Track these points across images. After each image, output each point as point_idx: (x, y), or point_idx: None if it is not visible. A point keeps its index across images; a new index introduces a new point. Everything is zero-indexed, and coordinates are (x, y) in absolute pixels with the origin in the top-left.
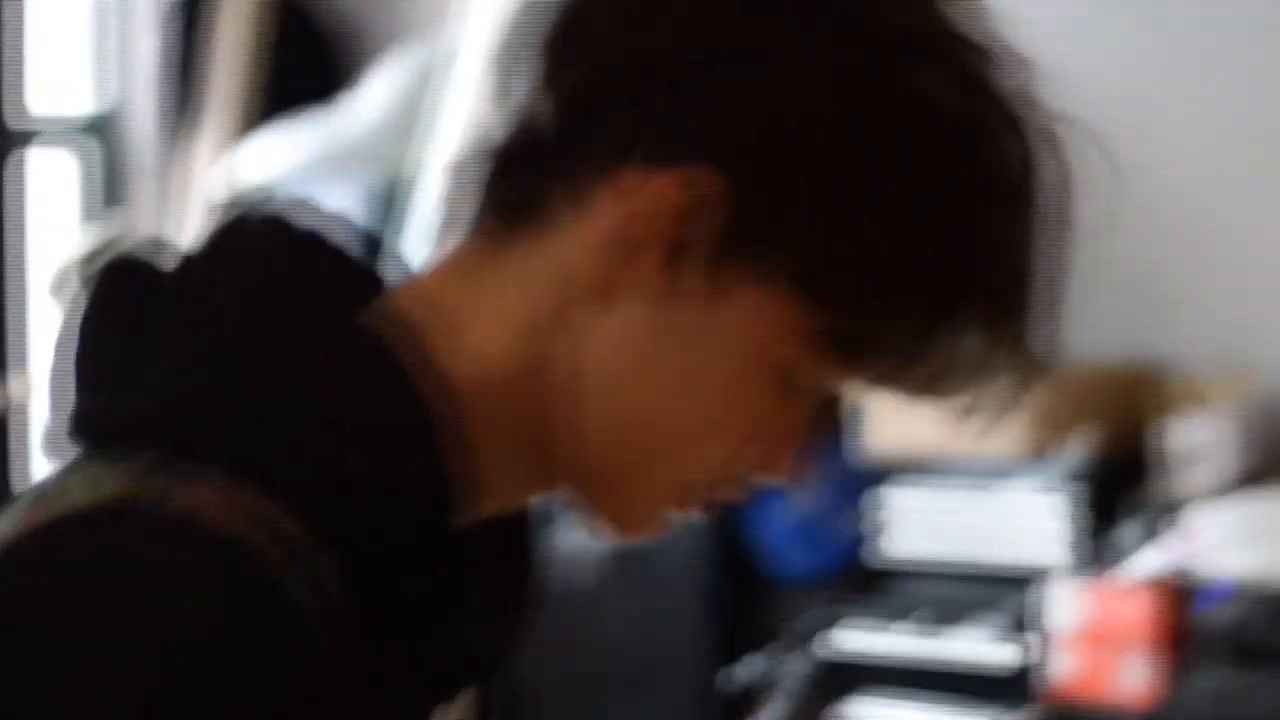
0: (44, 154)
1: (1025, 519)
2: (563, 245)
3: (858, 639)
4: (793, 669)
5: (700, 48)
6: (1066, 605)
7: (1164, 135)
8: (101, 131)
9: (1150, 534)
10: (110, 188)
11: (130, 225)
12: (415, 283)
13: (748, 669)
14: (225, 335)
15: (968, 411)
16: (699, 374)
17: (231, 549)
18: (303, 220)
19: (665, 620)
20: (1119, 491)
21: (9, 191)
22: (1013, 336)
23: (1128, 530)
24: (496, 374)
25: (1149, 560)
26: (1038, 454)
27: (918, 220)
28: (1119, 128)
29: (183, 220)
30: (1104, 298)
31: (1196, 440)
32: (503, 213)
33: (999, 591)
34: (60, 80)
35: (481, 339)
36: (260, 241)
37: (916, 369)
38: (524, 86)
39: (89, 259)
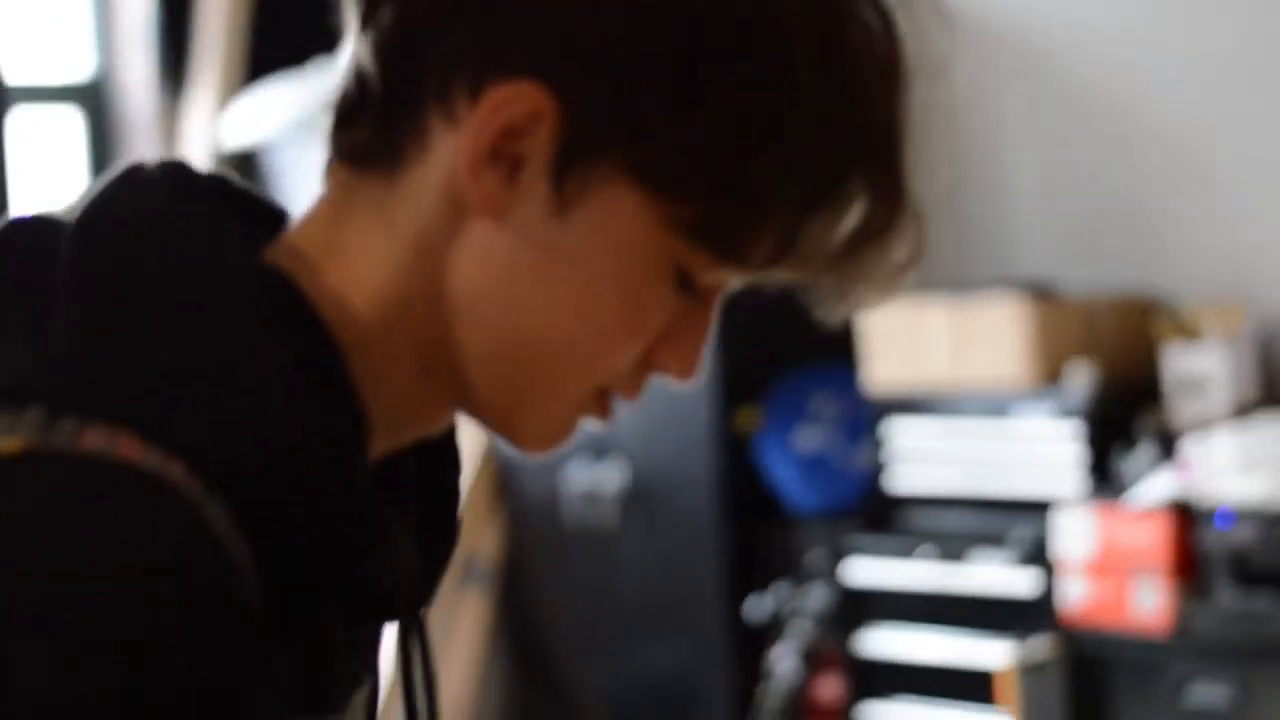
0: (39, 116)
1: (1034, 448)
2: (411, 179)
3: (873, 570)
4: (810, 602)
5: None
6: (1078, 532)
7: (1159, 69)
8: (94, 94)
9: (1157, 461)
10: (103, 150)
11: None
12: (292, 231)
13: (766, 603)
14: (108, 284)
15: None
16: (576, 284)
17: (154, 484)
18: (200, 168)
19: (684, 556)
20: (1124, 420)
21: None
22: (890, 204)
23: (1135, 458)
24: (376, 312)
25: (1157, 487)
26: (1043, 385)
27: (760, 101)
28: (1115, 62)
29: None
30: (1102, 230)
31: (1196, 369)
32: (349, 160)
33: (1011, 520)
34: (53, 44)
35: (348, 284)
36: (151, 188)
37: (803, 250)
38: (352, 35)
39: None
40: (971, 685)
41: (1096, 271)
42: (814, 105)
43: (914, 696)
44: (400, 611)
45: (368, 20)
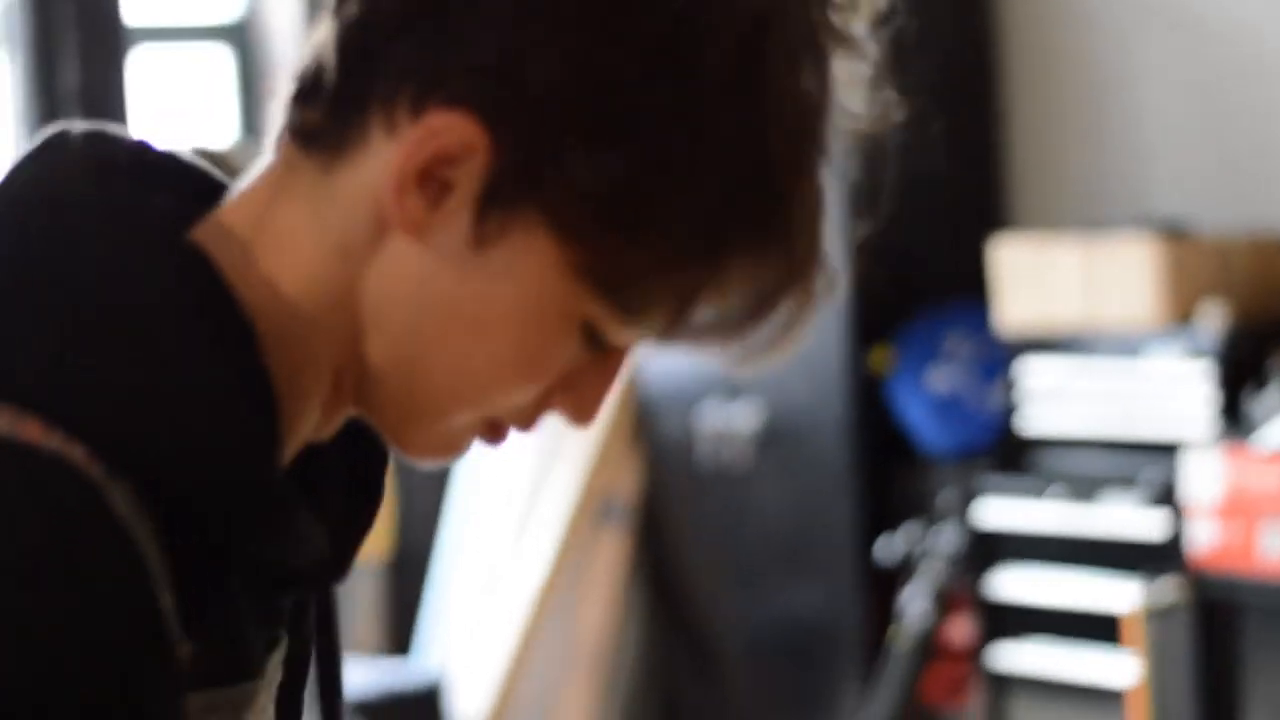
0: (190, 55)
1: (1165, 389)
2: (345, 176)
3: (1004, 511)
4: (941, 542)
5: None
6: (1206, 474)
7: None
8: (243, 33)
9: None
10: (252, 89)
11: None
12: (229, 204)
13: (897, 543)
14: (16, 266)
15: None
16: (479, 318)
17: (53, 465)
18: (126, 137)
19: (816, 497)
20: (1256, 361)
21: (126, 90)
22: (801, 274)
23: (1266, 399)
24: (299, 301)
25: None
26: (1175, 324)
27: (682, 171)
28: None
29: None
30: (1237, 168)
31: None
32: (297, 138)
33: (1141, 461)
34: None
35: (278, 267)
36: (71, 162)
37: (704, 315)
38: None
39: None
40: (1101, 627)
41: (1231, 209)
42: (736, 172)
43: (1044, 638)
44: (309, 588)
45: (337, 7)
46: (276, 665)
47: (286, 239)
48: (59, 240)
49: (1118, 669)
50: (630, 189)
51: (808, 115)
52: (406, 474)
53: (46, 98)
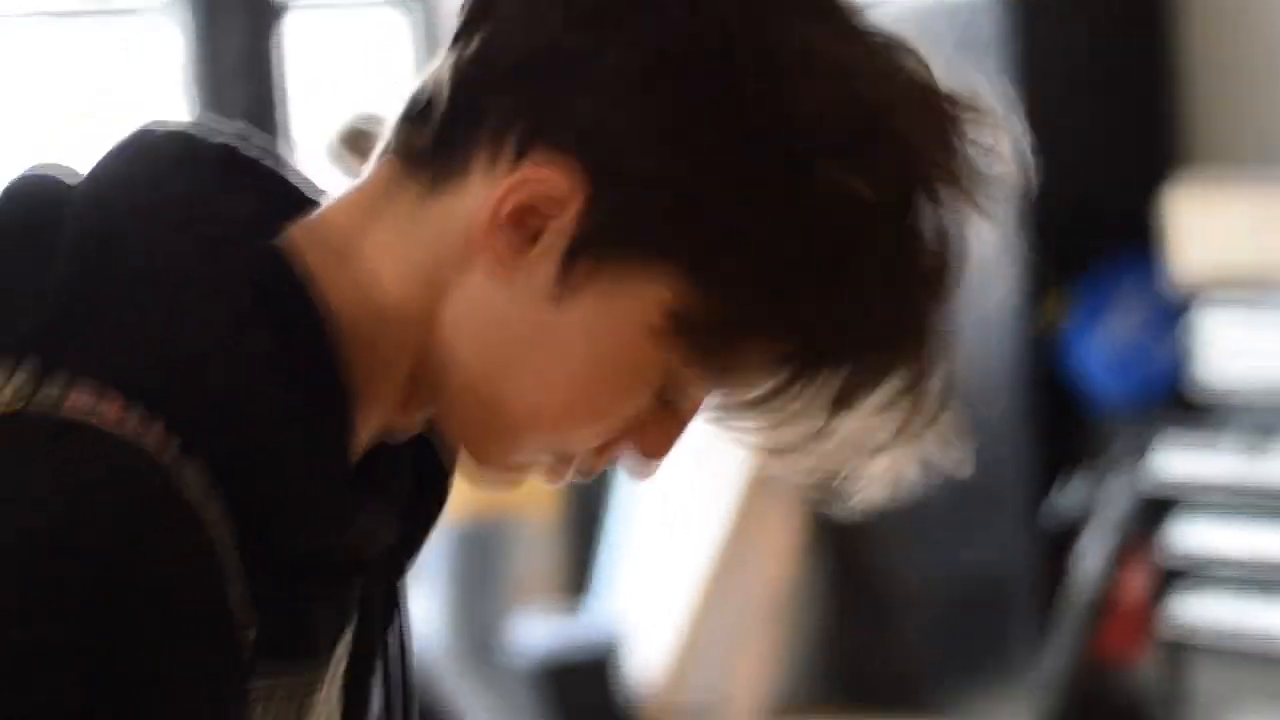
0: (367, 21)
1: None
2: (443, 203)
3: (1178, 465)
4: (1114, 497)
5: (587, 47)
6: None
7: None
8: (415, 4)
9: None
10: (428, 54)
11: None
12: (329, 208)
13: (1070, 498)
14: (101, 249)
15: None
16: (552, 365)
17: (128, 453)
18: (218, 136)
19: (989, 450)
20: None
21: (285, 58)
22: (914, 402)
23: None
24: (389, 307)
25: None
26: None
27: (781, 264)
28: None
29: None
30: None
31: None
32: (402, 157)
33: None
34: None
35: (368, 274)
36: (157, 156)
37: (795, 403)
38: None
39: (345, 136)
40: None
41: None
42: (853, 289)
43: (1220, 591)
44: (374, 575)
45: (458, 40)
46: (342, 652)
47: (378, 251)
48: (141, 231)
49: None
50: (731, 272)
51: (930, 261)
52: None
53: (210, 66)
